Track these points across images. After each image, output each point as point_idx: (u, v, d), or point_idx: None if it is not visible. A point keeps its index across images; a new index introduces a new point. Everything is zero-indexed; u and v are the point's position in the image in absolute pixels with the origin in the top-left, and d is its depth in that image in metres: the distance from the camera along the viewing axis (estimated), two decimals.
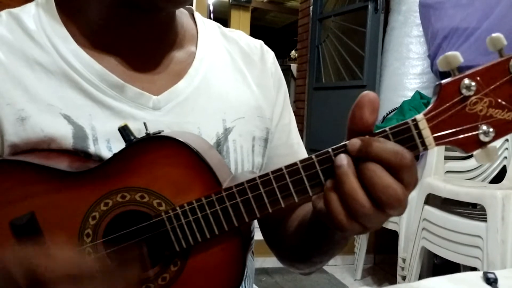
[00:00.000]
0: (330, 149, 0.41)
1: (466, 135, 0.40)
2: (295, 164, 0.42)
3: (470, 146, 0.40)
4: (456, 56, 0.39)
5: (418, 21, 2.63)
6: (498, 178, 1.86)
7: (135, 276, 0.44)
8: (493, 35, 0.39)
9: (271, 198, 0.43)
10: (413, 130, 0.40)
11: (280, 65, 0.71)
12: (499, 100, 0.40)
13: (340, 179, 0.39)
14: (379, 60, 3.02)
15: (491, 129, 0.40)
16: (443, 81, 0.40)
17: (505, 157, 1.86)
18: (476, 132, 0.40)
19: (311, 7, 3.93)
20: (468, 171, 2.01)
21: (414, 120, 0.40)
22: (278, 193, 0.43)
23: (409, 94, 2.54)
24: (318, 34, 3.85)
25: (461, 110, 0.40)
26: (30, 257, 0.40)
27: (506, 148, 1.86)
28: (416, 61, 2.67)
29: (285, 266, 0.66)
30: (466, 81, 0.39)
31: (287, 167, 0.42)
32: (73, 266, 0.40)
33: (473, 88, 0.39)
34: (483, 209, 1.61)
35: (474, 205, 1.95)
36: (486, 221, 1.57)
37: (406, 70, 2.68)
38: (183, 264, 0.46)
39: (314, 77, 3.86)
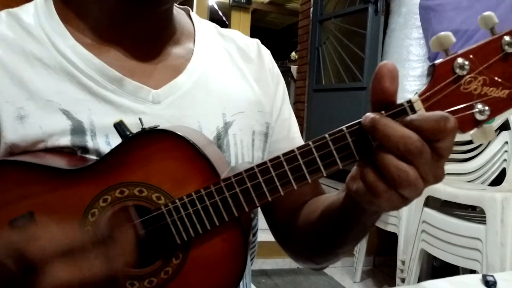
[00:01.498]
0: (326, 135, 0.41)
1: (461, 114, 0.40)
2: (292, 151, 0.42)
3: (466, 125, 0.40)
4: (448, 36, 0.39)
5: (418, 23, 2.64)
6: (498, 180, 1.86)
7: (130, 240, 0.42)
8: (484, 13, 0.39)
9: (269, 186, 0.43)
10: (408, 112, 0.40)
11: (280, 66, 0.71)
12: (493, 78, 0.39)
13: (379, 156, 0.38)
14: (379, 62, 2.99)
15: (486, 108, 0.39)
16: (437, 62, 0.40)
17: (505, 160, 1.85)
18: (472, 111, 0.40)
19: (311, 9, 3.94)
20: (467, 173, 2.00)
21: (409, 101, 0.40)
22: (276, 181, 0.43)
23: (409, 96, 2.53)
24: (318, 35, 3.86)
25: (455, 90, 0.40)
26: (17, 241, 0.38)
27: (506, 151, 1.86)
28: (416, 63, 2.68)
29: (300, 262, 0.65)
30: (460, 60, 0.39)
31: (284, 154, 0.42)
32: (62, 240, 0.38)
33: (467, 67, 0.39)
34: (482, 211, 1.60)
35: (473, 208, 1.95)
36: (485, 223, 1.56)
37: (406, 72, 2.68)
38: (185, 257, 0.46)
39: (314, 79, 3.87)
